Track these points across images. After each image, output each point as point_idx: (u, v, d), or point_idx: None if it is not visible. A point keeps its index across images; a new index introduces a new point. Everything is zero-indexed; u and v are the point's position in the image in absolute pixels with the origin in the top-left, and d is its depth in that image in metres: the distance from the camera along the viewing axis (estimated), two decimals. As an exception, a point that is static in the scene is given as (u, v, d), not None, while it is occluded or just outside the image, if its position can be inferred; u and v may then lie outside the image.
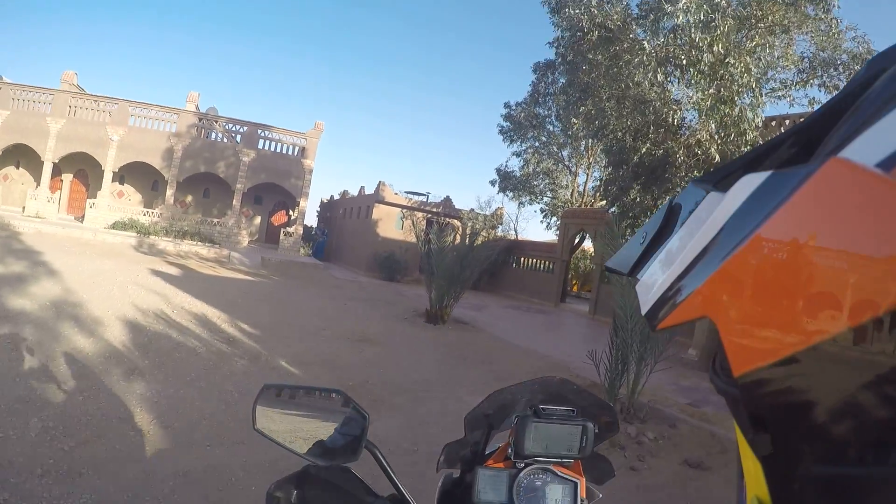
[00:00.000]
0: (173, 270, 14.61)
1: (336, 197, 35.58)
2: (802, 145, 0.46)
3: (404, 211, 24.33)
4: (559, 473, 1.04)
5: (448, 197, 26.31)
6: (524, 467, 1.03)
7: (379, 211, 24.02)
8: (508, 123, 30.92)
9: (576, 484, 1.05)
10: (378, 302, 13.96)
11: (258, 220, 29.79)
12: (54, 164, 25.15)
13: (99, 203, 24.07)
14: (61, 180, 27.72)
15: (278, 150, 26.29)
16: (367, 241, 23.94)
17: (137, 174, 27.01)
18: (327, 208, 36.85)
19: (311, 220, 38.92)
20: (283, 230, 25.79)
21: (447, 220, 22.21)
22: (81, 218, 24.26)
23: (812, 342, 0.32)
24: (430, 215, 24.09)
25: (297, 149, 26.37)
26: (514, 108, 30.49)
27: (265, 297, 12.13)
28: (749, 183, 0.39)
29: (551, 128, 29.98)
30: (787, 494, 0.36)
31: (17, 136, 24.46)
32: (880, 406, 0.31)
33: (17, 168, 27.69)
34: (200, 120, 25.44)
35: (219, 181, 26.02)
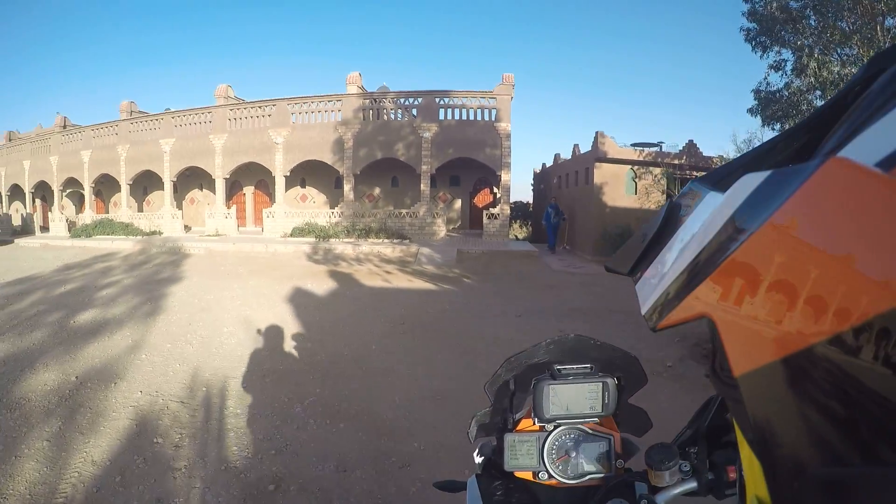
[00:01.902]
0: (325, 286, 11.24)
1: (548, 165, 30.68)
2: (802, 145, 0.49)
3: (635, 168, 18.42)
4: (590, 431, 1.04)
5: (691, 142, 19.51)
6: (553, 429, 1.04)
7: (601, 172, 18.45)
8: (755, 24, 22.94)
9: (610, 439, 1.04)
10: (609, 318, 8.63)
11: (458, 203, 26.38)
12: (228, 179, 25.04)
13: (275, 211, 22.87)
14: (244, 194, 27.80)
15: (464, 117, 22.15)
16: (591, 213, 18.61)
17: (318, 174, 25.58)
18: (540, 179, 32.01)
19: (525, 194, 34.75)
20: (485, 212, 21.58)
21: (694, 174, 15.94)
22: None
23: (812, 342, 0.33)
24: (670, 170, 17.83)
25: (486, 112, 21.92)
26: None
27: (429, 329, 7.69)
28: (748, 182, 0.41)
29: (812, 23, 21.37)
30: (787, 494, 0.37)
31: (186, 160, 25.07)
32: (880, 406, 0.31)
33: (201, 190, 28.71)
34: (367, 101, 22.47)
35: (403, 166, 22.88)
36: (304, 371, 5.73)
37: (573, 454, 1.02)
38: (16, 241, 25.12)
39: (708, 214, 0.46)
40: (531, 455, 1.01)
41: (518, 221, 31.59)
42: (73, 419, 4.54)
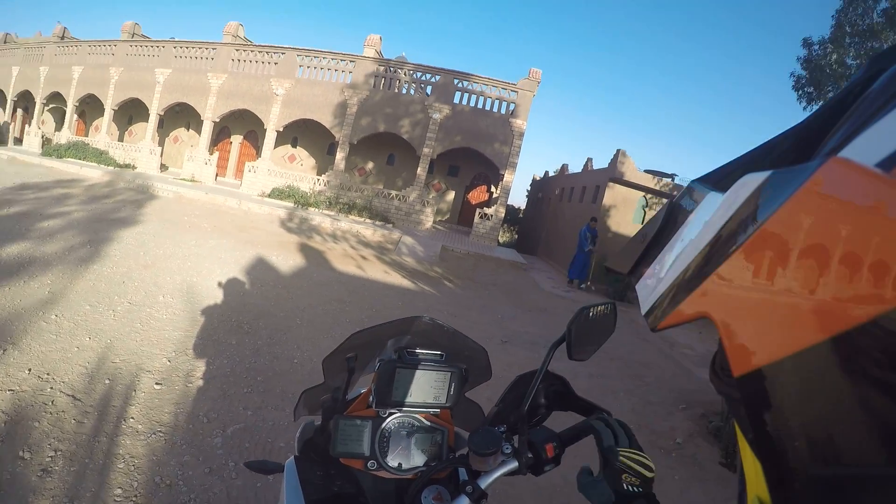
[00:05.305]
0: (291, 262, 10.11)
1: (551, 174, 29.78)
2: (802, 145, 0.49)
3: (648, 197, 17.44)
4: (426, 422, 1.03)
5: (709, 181, 18.42)
6: (388, 416, 1.02)
7: (613, 194, 17.38)
8: (806, 73, 21.93)
9: (444, 432, 1.04)
10: (610, 366, 7.48)
11: (451, 195, 25.30)
12: (218, 123, 23.89)
13: (259, 167, 21.58)
14: (230, 142, 26.53)
15: (479, 105, 20.95)
16: (593, 235, 17.50)
17: (312, 136, 24.57)
18: (539, 187, 31.10)
19: (520, 200, 34.15)
20: (478, 210, 20.33)
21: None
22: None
23: (812, 342, 0.33)
24: (685, 207, 16.63)
25: (504, 105, 20.78)
26: (817, 47, 21.47)
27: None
28: (749, 183, 0.42)
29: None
30: (787, 494, 0.37)
31: (178, 94, 23.82)
32: (880, 406, 0.31)
33: (188, 130, 27.48)
34: (381, 67, 21.17)
35: (403, 145, 21.73)
36: (237, 381, 4.59)
37: (406, 445, 1.01)
38: (-17, 148, 23.81)
39: (708, 215, 0.46)
40: (361, 442, 0.99)
41: (505, 226, 30.89)
42: None
